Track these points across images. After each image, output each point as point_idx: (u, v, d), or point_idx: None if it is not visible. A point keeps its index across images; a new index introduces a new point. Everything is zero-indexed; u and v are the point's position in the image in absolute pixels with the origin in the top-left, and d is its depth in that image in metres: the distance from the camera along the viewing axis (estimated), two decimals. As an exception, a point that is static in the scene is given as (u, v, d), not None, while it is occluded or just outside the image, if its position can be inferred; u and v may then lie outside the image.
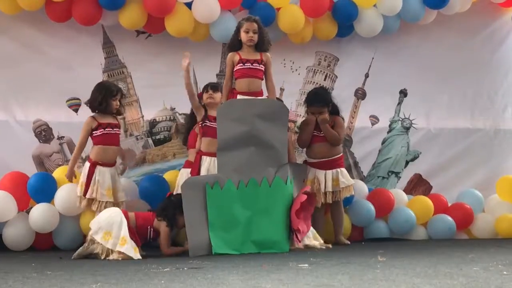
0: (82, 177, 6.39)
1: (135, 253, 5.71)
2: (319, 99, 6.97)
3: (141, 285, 4.07)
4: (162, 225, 6.01)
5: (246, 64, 6.39)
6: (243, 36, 6.40)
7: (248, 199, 6.05)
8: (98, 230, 5.81)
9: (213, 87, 6.58)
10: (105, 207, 6.24)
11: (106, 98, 6.39)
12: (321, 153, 6.90)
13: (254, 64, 6.41)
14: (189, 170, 6.60)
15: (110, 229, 5.79)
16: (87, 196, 6.31)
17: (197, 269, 4.79)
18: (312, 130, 6.92)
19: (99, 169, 6.36)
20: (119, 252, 5.69)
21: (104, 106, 6.39)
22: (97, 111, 6.45)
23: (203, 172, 6.35)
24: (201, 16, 7.05)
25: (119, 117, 6.64)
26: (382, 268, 4.68)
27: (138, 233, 5.93)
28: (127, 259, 5.64)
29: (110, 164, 6.45)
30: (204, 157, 6.42)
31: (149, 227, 6.01)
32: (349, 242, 6.97)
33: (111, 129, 6.44)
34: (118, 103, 6.49)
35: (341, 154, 7.06)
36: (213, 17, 7.06)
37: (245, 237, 6.03)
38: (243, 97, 6.34)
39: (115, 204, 6.36)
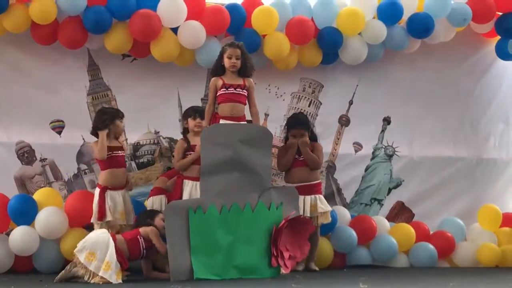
0: (94, 204, 6.35)
1: (117, 279, 5.66)
2: (300, 122, 7.03)
3: (121, 309, 4.04)
4: (148, 229, 6.02)
5: (229, 89, 6.41)
6: (226, 61, 6.42)
7: (230, 224, 6.03)
8: (82, 249, 5.75)
9: (201, 114, 6.60)
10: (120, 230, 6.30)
11: (113, 120, 6.46)
12: (300, 178, 6.89)
13: (237, 89, 6.42)
14: (161, 196, 6.63)
15: (94, 250, 5.74)
16: (104, 220, 6.29)
17: (178, 294, 4.76)
18: (294, 153, 6.93)
19: (109, 193, 6.35)
20: (101, 277, 5.64)
21: (111, 128, 6.44)
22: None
23: (185, 196, 6.35)
24: (187, 41, 7.06)
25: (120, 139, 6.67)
26: (364, 295, 4.68)
27: (131, 248, 5.89)
28: (107, 283, 5.60)
29: (120, 187, 6.44)
30: (186, 181, 6.43)
31: (138, 237, 5.98)
32: (317, 269, 6.94)
33: (118, 152, 6.47)
34: (123, 125, 6.58)
35: (320, 180, 7.07)
36: (199, 42, 7.08)
37: (227, 262, 6.00)
38: (226, 122, 6.34)
39: (128, 226, 6.38)
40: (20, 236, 6.48)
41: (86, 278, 5.66)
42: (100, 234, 5.88)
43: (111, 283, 5.60)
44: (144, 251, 5.97)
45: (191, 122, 6.66)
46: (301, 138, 6.96)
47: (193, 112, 6.71)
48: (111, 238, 5.81)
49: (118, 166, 6.44)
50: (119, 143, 6.58)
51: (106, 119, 6.43)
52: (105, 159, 6.35)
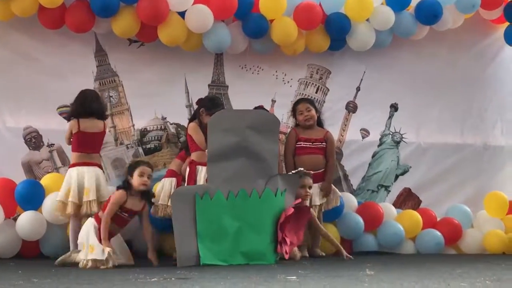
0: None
1: (104, 252, 5.71)
2: (306, 99, 7.23)
3: (128, 294, 4.05)
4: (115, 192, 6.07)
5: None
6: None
7: (237, 210, 6.03)
8: (80, 244, 5.93)
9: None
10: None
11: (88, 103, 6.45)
12: (311, 165, 6.88)
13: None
14: (172, 179, 6.62)
15: (83, 240, 5.87)
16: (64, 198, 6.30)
17: (185, 280, 4.77)
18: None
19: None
20: (92, 260, 5.71)
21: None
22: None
23: (200, 182, 6.37)
24: (194, 25, 7.05)
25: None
26: (370, 281, 4.67)
27: (115, 219, 5.94)
28: (102, 264, 5.69)
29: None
30: (199, 167, 6.44)
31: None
32: (323, 254, 6.97)
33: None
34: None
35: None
36: (206, 26, 7.06)
37: (233, 248, 6.01)
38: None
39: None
40: (27, 221, 6.51)
41: (80, 266, 5.75)
42: (86, 223, 5.98)
43: (101, 259, 5.68)
44: (129, 216, 6.02)
45: (207, 119, 6.54)
46: (308, 113, 6.99)
47: (211, 106, 6.58)
48: (92, 223, 5.89)
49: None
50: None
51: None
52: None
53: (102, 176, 6.43)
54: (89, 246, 5.77)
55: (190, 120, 6.72)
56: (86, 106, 6.37)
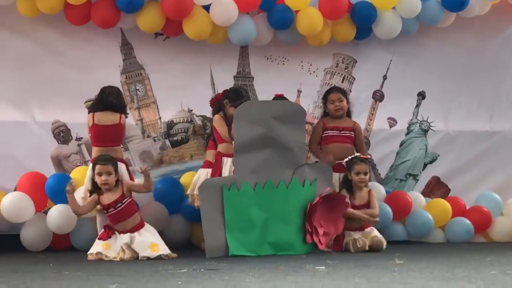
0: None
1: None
2: (338, 88, 7.20)
3: (157, 286, 4.07)
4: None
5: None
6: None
7: (264, 201, 6.05)
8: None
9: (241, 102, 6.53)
10: None
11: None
12: (337, 155, 6.84)
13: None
14: (208, 170, 6.62)
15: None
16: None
17: (214, 271, 4.79)
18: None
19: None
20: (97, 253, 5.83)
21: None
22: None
23: (225, 173, 6.39)
24: (219, 19, 7.05)
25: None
26: (399, 271, 4.66)
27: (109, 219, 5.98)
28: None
29: None
30: (225, 158, 6.46)
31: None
32: None
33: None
34: None
35: None
36: (231, 20, 7.06)
37: (261, 239, 6.03)
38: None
39: None
40: (58, 214, 6.57)
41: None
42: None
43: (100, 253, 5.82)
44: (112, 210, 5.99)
45: (231, 110, 6.50)
46: (340, 103, 6.98)
47: (235, 98, 6.58)
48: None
49: None
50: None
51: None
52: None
53: (123, 170, 6.34)
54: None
55: (215, 113, 6.74)
56: (103, 100, 6.39)
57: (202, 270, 4.84)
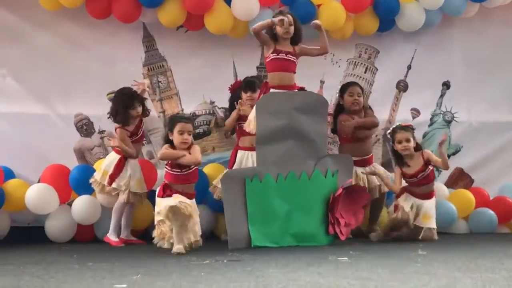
0: (108, 167, 6.48)
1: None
2: (358, 84, 7.17)
3: (181, 276, 4.10)
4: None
5: (280, 55, 6.33)
6: (279, 29, 6.30)
7: (287, 192, 6.06)
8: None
9: (252, 88, 6.62)
10: (133, 197, 6.48)
11: (126, 110, 6.52)
12: (353, 153, 6.75)
13: (288, 56, 6.35)
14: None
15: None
16: (115, 186, 6.45)
17: (237, 262, 4.81)
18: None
19: (130, 162, 6.52)
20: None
21: (124, 118, 6.52)
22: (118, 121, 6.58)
23: (235, 165, 6.55)
24: (240, 13, 7.05)
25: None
26: (422, 261, 4.66)
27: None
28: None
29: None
30: (240, 151, 6.64)
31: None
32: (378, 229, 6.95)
33: (136, 136, 6.62)
34: (139, 111, 6.59)
35: (371, 154, 7.13)
36: (253, 14, 7.05)
37: (284, 230, 6.04)
38: (276, 91, 6.30)
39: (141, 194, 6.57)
40: (82, 206, 6.62)
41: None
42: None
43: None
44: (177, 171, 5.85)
45: (244, 96, 6.70)
46: (359, 98, 6.97)
47: (245, 86, 6.76)
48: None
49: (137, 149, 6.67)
50: (140, 124, 6.67)
51: (122, 111, 6.55)
52: None
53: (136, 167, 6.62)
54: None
55: (233, 99, 6.84)
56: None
57: (225, 261, 4.87)
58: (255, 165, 6.26)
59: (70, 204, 6.73)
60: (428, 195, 6.67)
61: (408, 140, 6.58)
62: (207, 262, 4.79)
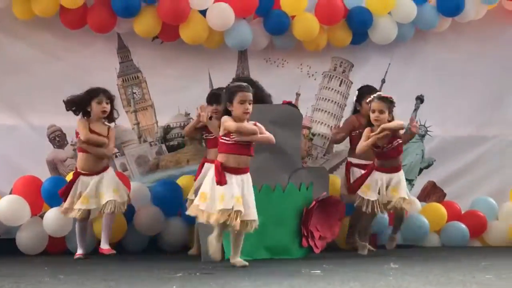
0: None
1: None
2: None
3: (153, 290, 4.08)
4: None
5: None
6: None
7: (261, 205, 6.01)
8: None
9: (217, 100, 6.53)
10: (81, 214, 6.25)
11: (89, 100, 6.36)
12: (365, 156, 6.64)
13: None
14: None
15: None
16: (65, 205, 6.28)
17: (209, 275, 4.79)
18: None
19: (81, 179, 6.32)
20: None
21: (84, 109, 6.36)
22: (75, 112, 6.41)
23: (200, 177, 6.40)
24: (216, 23, 7.06)
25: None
26: (394, 275, 4.67)
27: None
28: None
29: (94, 173, 6.36)
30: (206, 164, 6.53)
31: None
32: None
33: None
34: (106, 107, 6.36)
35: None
36: (228, 24, 7.07)
37: (257, 243, 6.02)
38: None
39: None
40: (54, 218, 6.56)
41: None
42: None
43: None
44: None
45: (208, 108, 6.52)
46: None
47: (209, 97, 6.66)
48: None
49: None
50: (104, 130, 6.44)
51: (82, 102, 6.40)
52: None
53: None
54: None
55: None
56: None
57: (197, 274, 4.84)
58: None
59: (41, 216, 6.68)
60: (396, 169, 6.41)
61: (381, 112, 6.29)
62: (180, 275, 4.77)
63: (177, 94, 7.50)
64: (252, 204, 5.41)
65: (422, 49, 8.13)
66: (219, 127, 5.47)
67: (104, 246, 6.25)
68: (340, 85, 7.96)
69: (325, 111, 7.87)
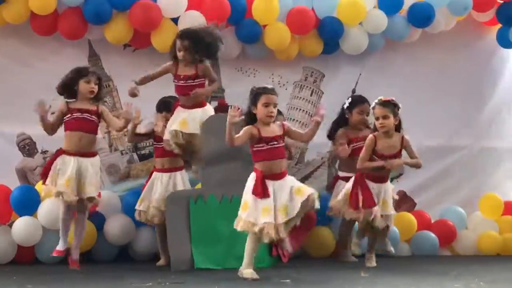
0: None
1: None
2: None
3: (122, 299, 4.06)
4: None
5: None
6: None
7: (231, 213, 6.01)
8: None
9: (167, 108, 6.64)
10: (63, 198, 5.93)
11: (75, 80, 6.20)
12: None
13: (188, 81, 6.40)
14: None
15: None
16: (46, 183, 6.02)
17: (179, 284, 4.78)
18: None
19: (62, 157, 6.06)
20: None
21: (72, 89, 6.21)
22: (66, 95, 6.28)
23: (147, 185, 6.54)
24: (187, 31, 7.06)
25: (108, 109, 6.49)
26: (364, 284, 4.69)
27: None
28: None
29: (78, 153, 6.08)
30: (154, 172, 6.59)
31: None
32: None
33: (80, 114, 6.17)
34: (94, 87, 6.21)
35: None
36: (199, 33, 7.07)
37: (227, 252, 6.02)
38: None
39: (79, 200, 6.01)
40: (23, 227, 6.51)
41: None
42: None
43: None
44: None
45: (158, 115, 6.75)
46: (366, 116, 6.62)
47: (159, 105, 6.80)
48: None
49: (78, 130, 6.15)
50: (93, 106, 6.26)
51: (70, 82, 6.26)
52: (67, 121, 6.20)
53: None
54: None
55: None
56: None
57: (167, 283, 4.83)
58: (164, 187, 6.37)
59: (10, 225, 6.61)
60: (385, 179, 6.36)
61: (385, 117, 6.14)
62: (149, 285, 4.75)
63: (148, 102, 7.45)
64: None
65: (392, 59, 8.17)
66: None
67: (75, 255, 6.09)
68: (311, 95, 7.99)
69: (296, 120, 7.89)
